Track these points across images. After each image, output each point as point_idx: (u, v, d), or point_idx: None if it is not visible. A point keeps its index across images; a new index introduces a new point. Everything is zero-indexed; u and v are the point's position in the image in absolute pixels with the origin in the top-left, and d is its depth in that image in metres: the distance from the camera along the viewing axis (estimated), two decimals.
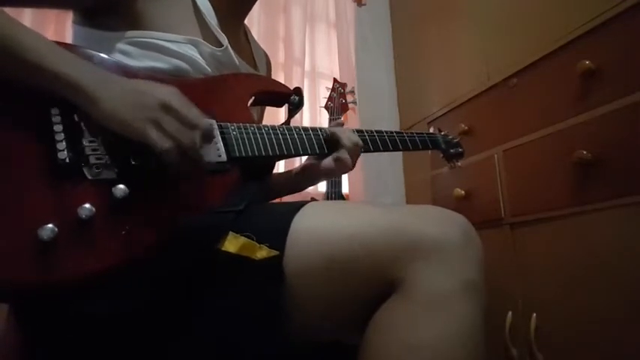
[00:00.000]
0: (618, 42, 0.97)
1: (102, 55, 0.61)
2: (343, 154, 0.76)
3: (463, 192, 1.37)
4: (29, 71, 0.51)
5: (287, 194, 0.93)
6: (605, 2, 1.00)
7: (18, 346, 0.55)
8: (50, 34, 1.33)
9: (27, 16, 1.32)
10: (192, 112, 0.56)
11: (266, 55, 0.97)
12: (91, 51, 0.60)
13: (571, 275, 1.03)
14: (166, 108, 0.53)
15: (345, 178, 1.65)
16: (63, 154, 0.51)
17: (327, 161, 0.78)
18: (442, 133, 1.01)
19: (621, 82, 0.95)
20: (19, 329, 0.54)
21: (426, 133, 0.95)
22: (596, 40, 1.03)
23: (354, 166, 0.79)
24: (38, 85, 0.52)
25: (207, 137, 0.58)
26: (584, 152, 0.99)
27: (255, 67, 0.87)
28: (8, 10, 0.54)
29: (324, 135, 0.78)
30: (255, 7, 0.85)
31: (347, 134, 0.78)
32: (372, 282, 0.51)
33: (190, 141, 0.54)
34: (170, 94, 0.55)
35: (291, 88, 0.85)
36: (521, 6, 1.27)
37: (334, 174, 0.81)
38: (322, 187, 1.64)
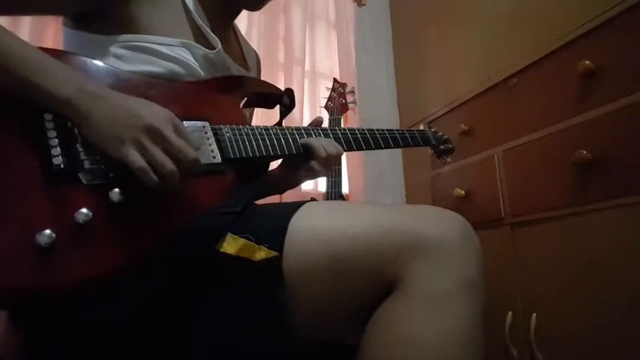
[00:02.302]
0: (618, 42, 0.97)
1: (96, 62, 0.61)
2: (315, 166, 0.76)
3: (463, 192, 1.37)
4: (18, 85, 0.51)
5: (283, 191, 0.94)
6: (605, 2, 1.00)
7: (17, 347, 0.55)
8: (50, 38, 1.33)
9: (26, 19, 1.31)
10: (180, 142, 0.54)
11: (256, 54, 0.97)
12: (85, 58, 0.60)
13: (571, 275, 1.02)
14: (153, 132, 0.53)
15: (345, 178, 1.65)
16: (58, 160, 0.51)
17: (301, 171, 0.79)
18: (432, 130, 1.03)
19: (621, 82, 0.95)
20: (18, 332, 0.54)
21: (417, 130, 0.96)
22: (596, 40, 1.02)
23: (330, 170, 0.80)
24: (27, 98, 0.52)
25: (191, 167, 0.55)
26: (584, 152, 0.99)
27: (246, 66, 0.87)
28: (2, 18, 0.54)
29: (302, 142, 0.76)
30: None
31: (323, 145, 0.75)
32: (371, 281, 0.52)
33: (168, 167, 0.52)
34: (162, 120, 0.54)
35: (283, 90, 0.85)
36: (521, 6, 1.27)
37: (312, 179, 0.83)
38: (322, 187, 1.64)
